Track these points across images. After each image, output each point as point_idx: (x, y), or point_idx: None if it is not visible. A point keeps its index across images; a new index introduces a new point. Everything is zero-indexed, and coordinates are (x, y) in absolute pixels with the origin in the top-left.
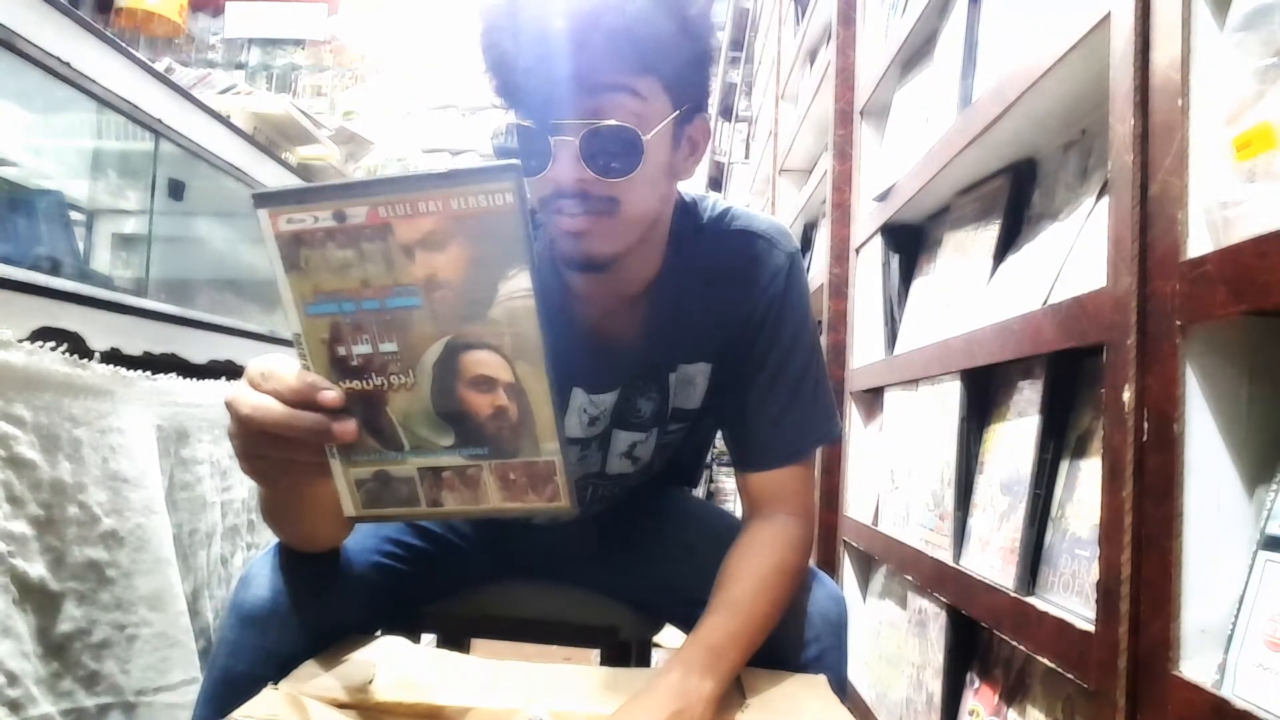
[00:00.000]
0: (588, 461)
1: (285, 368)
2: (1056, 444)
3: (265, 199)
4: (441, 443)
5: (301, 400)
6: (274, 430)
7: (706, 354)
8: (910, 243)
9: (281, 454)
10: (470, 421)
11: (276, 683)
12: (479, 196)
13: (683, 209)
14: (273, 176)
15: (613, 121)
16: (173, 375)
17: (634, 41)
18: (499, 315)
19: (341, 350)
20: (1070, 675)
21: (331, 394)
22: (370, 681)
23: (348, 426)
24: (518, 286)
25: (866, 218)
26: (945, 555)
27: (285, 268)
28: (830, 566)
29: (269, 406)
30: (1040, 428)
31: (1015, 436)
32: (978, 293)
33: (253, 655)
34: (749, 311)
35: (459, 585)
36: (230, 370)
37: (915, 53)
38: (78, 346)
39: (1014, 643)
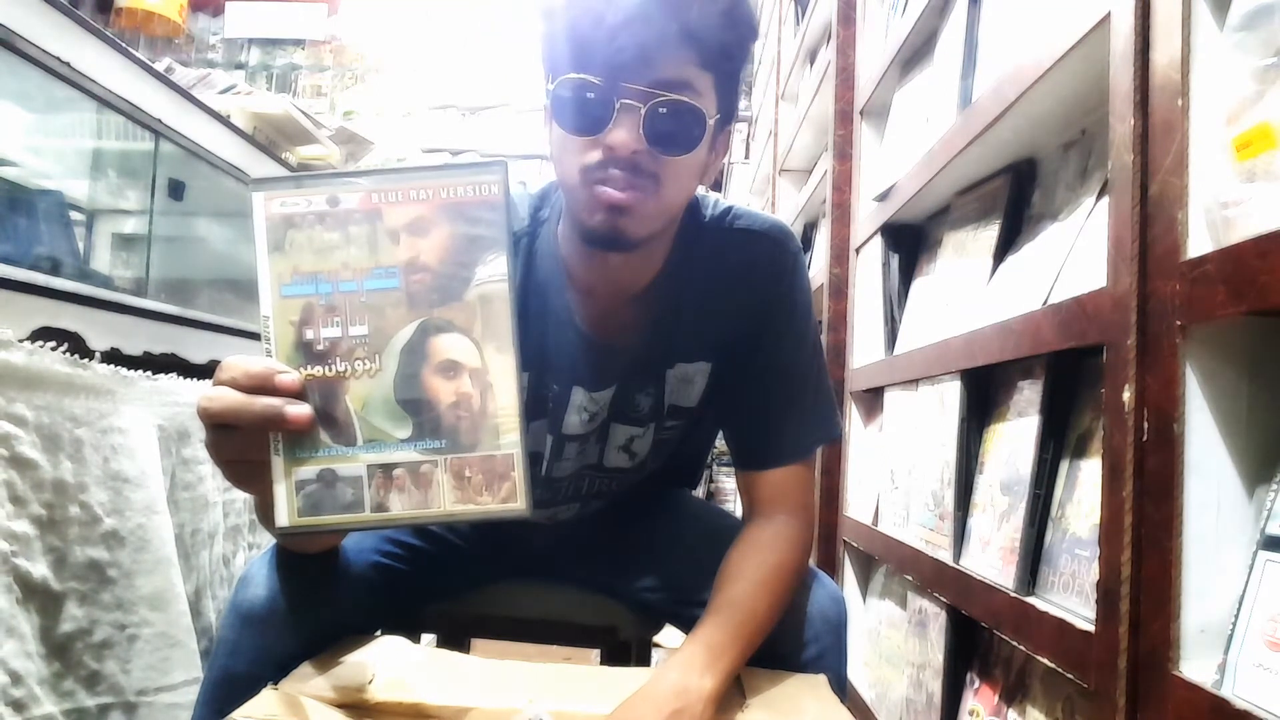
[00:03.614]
0: (585, 454)
1: (246, 358)
2: (1056, 444)
3: (262, 184)
4: (398, 434)
5: (257, 385)
6: (230, 419)
7: (706, 353)
8: (910, 243)
9: (239, 448)
10: (431, 410)
11: (276, 683)
12: (468, 187)
13: (685, 208)
14: None
15: (684, 98)
16: (173, 375)
17: (711, 38)
18: (474, 298)
19: (309, 333)
20: (1070, 675)
21: (289, 377)
22: (370, 682)
23: (302, 411)
24: (495, 271)
25: (866, 218)
26: (945, 555)
27: (268, 248)
28: (830, 566)
29: (224, 395)
30: (1040, 428)
31: (1015, 436)
32: (978, 293)
33: (252, 655)
34: (751, 311)
35: (459, 585)
36: None
37: (915, 53)
38: (78, 346)
39: (1014, 643)
